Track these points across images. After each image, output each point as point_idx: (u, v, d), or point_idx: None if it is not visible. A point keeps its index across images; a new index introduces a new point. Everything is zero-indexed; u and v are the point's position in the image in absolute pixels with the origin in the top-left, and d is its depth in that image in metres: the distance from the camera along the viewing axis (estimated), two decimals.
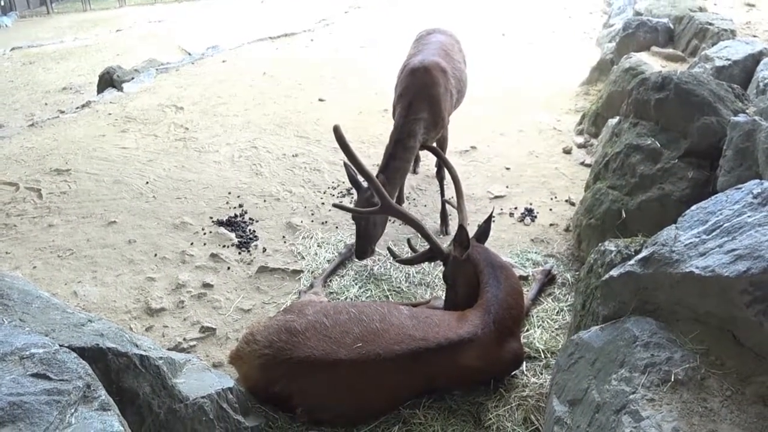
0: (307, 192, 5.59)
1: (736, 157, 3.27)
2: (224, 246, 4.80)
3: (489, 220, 3.78)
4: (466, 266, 3.51)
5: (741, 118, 3.36)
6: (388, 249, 4.23)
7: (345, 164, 4.15)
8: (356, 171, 3.96)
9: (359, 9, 13.87)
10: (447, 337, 3.06)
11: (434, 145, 4.94)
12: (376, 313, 3.18)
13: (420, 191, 5.59)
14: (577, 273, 4.14)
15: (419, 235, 3.99)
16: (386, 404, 3.15)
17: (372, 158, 5.95)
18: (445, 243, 3.90)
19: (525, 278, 4.18)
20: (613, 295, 2.65)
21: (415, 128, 4.43)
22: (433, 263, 4.36)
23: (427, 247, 3.82)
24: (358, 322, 3.11)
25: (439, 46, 4.94)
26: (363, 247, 4.20)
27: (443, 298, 3.87)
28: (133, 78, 9.09)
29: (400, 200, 5.23)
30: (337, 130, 3.72)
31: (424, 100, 4.48)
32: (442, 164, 4.74)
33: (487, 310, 3.22)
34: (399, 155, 4.39)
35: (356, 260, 4.39)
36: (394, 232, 4.90)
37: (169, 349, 3.45)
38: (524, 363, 3.39)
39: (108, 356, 2.32)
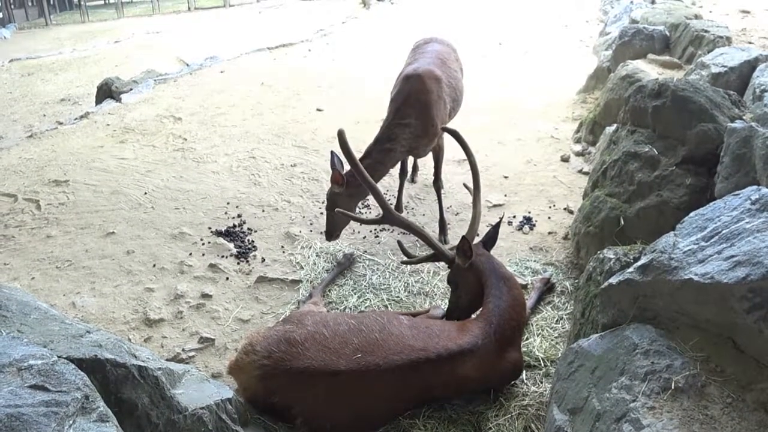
0: (305, 202, 5.59)
1: (734, 163, 3.28)
2: (223, 256, 4.80)
3: (497, 227, 3.77)
4: (470, 274, 3.51)
5: (738, 124, 3.37)
6: (399, 243, 4.17)
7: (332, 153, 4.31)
8: (361, 179, 3.95)
9: (356, 19, 13.94)
10: (447, 348, 3.05)
11: (429, 154, 4.94)
12: (376, 323, 3.17)
13: (418, 200, 5.59)
14: (576, 281, 4.14)
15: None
16: (386, 414, 3.13)
17: None
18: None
19: (524, 287, 4.17)
20: (613, 303, 2.65)
21: (397, 132, 4.43)
22: (432, 273, 4.37)
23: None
24: (357, 333, 3.10)
25: (436, 55, 4.96)
26: (330, 234, 4.51)
27: (443, 307, 3.87)
28: (131, 89, 9.12)
29: (398, 209, 5.24)
30: (341, 135, 3.75)
31: (413, 106, 4.48)
32: (463, 151, 4.23)
33: (489, 321, 3.21)
34: (373, 155, 4.42)
35: (326, 240, 4.64)
36: (393, 242, 4.89)
37: (167, 360, 3.43)
38: (524, 372, 3.38)
39: (106, 367, 2.31)
